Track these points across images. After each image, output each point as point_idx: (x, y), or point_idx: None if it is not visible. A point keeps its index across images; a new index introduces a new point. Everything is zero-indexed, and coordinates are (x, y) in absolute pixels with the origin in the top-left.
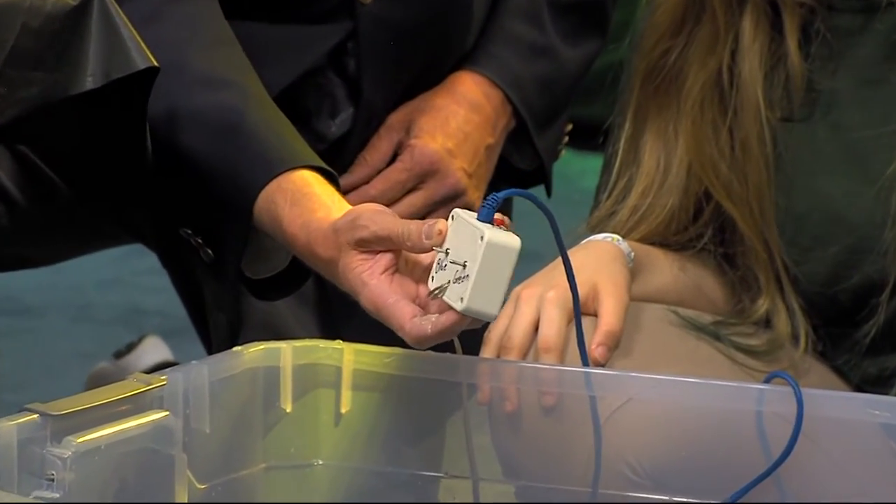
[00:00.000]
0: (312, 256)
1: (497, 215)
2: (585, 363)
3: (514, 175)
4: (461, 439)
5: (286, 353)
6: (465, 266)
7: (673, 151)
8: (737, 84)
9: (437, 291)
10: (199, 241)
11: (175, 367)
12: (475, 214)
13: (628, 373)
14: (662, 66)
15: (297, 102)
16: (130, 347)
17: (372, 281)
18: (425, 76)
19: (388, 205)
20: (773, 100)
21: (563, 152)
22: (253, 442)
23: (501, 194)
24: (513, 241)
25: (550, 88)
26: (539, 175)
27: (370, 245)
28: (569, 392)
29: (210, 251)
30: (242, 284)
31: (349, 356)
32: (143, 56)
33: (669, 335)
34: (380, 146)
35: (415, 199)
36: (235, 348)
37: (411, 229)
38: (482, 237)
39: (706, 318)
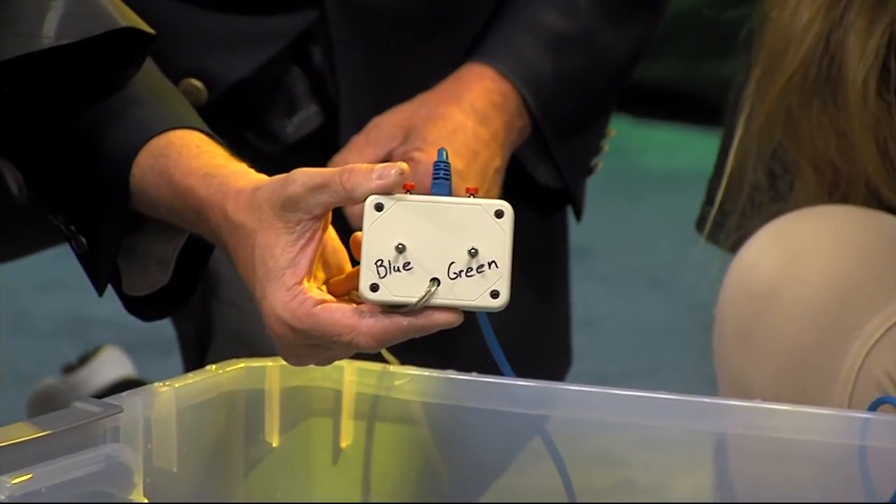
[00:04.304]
0: (216, 217)
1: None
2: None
3: (537, 192)
4: (501, 483)
5: (272, 372)
6: (472, 253)
7: (841, 161)
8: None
9: (420, 300)
10: (73, 228)
11: (134, 389)
12: (412, 195)
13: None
14: (815, 52)
15: (245, 97)
16: (83, 361)
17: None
18: (416, 71)
19: None
20: None
21: (600, 165)
22: (231, 484)
23: (445, 155)
24: (510, 208)
25: (583, 87)
26: (567, 193)
27: (301, 205)
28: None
29: (84, 240)
30: (117, 295)
31: (351, 377)
32: (111, 17)
33: None
34: (366, 150)
35: None
36: (209, 367)
37: (353, 168)
38: (499, 212)
39: None
